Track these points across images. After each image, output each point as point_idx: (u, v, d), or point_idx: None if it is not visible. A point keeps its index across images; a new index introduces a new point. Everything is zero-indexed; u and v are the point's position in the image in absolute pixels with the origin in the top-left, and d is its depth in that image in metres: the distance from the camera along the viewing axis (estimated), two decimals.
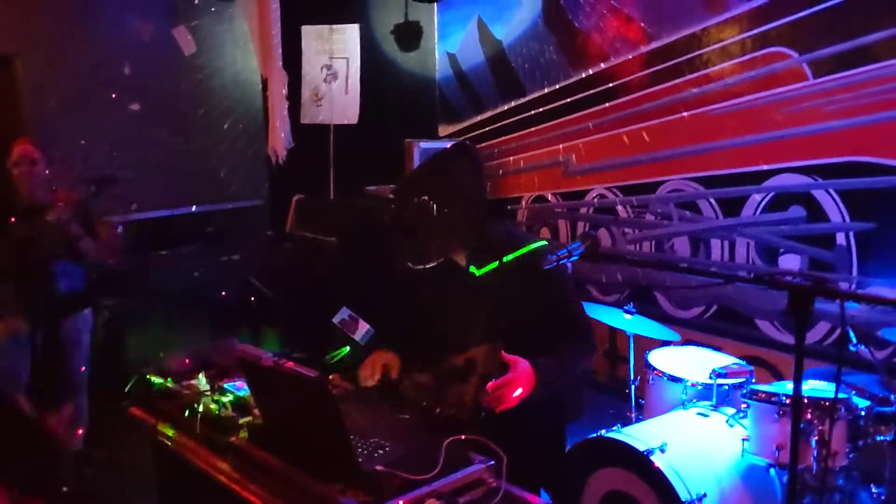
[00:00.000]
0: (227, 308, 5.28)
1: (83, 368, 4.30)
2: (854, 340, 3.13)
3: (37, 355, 4.12)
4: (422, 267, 2.52)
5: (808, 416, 2.92)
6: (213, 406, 2.46)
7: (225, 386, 2.58)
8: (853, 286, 4.05)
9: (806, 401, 2.94)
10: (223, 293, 5.23)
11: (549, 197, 5.78)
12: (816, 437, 2.90)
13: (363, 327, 2.76)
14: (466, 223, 2.49)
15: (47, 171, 4.07)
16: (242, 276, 5.45)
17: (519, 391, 2.30)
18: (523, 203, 5.97)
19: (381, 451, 2.11)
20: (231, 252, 5.62)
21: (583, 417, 4.55)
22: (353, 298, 2.96)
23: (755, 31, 4.40)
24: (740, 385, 3.40)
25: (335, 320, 2.75)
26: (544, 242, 2.51)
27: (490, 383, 2.32)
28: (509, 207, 6.00)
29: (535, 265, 2.22)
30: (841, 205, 4.14)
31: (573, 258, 2.10)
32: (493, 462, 2.08)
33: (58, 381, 4.24)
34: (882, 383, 3.17)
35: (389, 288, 3.04)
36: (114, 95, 5.83)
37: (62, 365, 4.22)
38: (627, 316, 3.87)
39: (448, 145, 2.62)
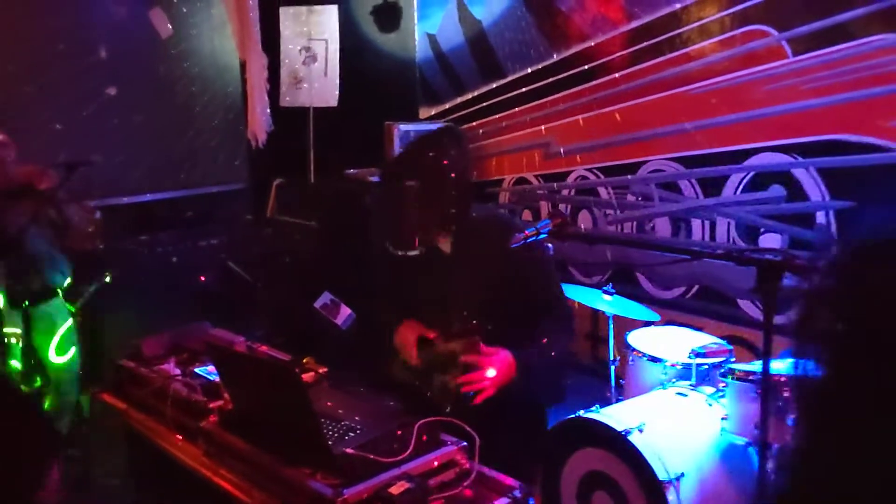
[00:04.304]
0: (206, 293, 5.24)
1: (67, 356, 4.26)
2: None
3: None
4: (403, 254, 2.47)
5: (786, 394, 2.92)
6: (183, 391, 2.43)
7: (196, 370, 2.56)
8: None
9: (783, 379, 2.94)
10: (202, 278, 5.19)
11: (531, 178, 5.75)
12: (794, 416, 2.90)
13: (345, 312, 2.73)
14: (452, 208, 2.44)
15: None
16: (221, 261, 5.40)
17: (492, 373, 2.29)
18: (505, 185, 5.93)
19: (351, 434, 2.10)
20: (210, 237, 5.57)
21: (565, 401, 4.55)
22: (334, 283, 2.94)
23: (734, 9, 4.37)
24: (719, 364, 3.39)
25: (316, 305, 2.72)
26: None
27: (463, 376, 2.32)
28: (490, 190, 5.96)
29: (515, 248, 2.19)
30: (821, 183, 4.13)
31: (541, 236, 2.08)
32: (465, 443, 2.07)
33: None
34: None
35: (371, 271, 3.01)
36: (89, 80, 5.73)
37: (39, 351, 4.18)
38: (607, 297, 3.86)
39: (434, 127, 2.57)
